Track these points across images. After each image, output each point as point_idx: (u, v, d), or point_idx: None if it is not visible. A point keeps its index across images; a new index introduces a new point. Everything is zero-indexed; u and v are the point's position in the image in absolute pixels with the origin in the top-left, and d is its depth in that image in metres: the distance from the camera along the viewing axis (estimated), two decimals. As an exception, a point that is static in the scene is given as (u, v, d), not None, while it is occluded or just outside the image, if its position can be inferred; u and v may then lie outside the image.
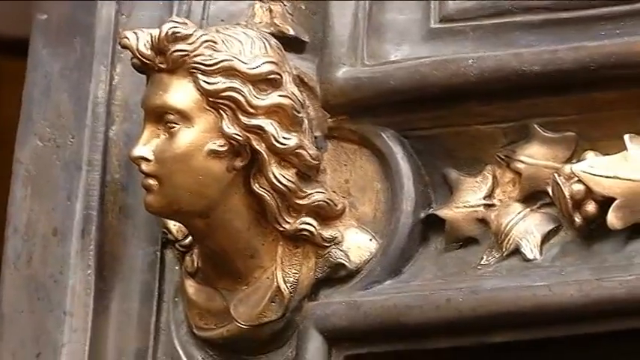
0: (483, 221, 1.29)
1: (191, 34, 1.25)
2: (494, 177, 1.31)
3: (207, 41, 1.25)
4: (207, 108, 1.25)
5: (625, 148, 1.20)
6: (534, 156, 1.29)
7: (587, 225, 1.20)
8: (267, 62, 1.25)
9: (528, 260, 1.25)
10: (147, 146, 1.25)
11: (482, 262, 1.28)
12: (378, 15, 1.38)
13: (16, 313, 1.34)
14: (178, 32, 1.24)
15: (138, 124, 1.32)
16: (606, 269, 1.18)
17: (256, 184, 1.26)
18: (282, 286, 1.31)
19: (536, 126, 1.29)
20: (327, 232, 1.30)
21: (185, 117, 1.24)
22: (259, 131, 1.24)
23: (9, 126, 1.61)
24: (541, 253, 1.24)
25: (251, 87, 1.24)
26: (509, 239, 1.26)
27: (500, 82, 1.27)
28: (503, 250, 1.25)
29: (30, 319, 1.35)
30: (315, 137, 1.33)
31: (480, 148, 1.34)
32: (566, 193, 1.18)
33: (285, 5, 1.44)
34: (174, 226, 1.35)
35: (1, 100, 2.81)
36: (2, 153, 1.67)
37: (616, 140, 1.21)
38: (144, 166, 1.25)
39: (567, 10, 1.28)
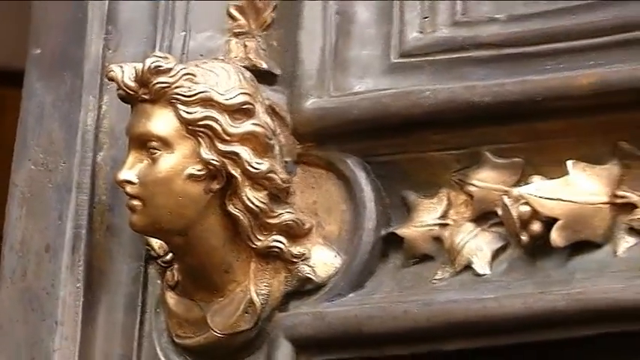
0: (438, 239, 1.37)
1: (172, 68, 1.32)
2: (449, 199, 1.39)
3: (186, 74, 1.32)
4: (187, 135, 1.32)
5: (567, 173, 1.26)
6: (485, 180, 1.35)
7: (533, 243, 1.27)
8: (241, 93, 1.33)
9: (479, 275, 1.32)
10: (131, 170, 1.33)
11: (436, 277, 1.35)
12: (343, 51, 1.46)
13: (12, 323, 1.41)
14: (160, 66, 1.32)
15: (123, 150, 1.39)
16: (549, 284, 1.25)
17: (231, 205, 1.34)
18: (255, 298, 1.38)
19: (486, 153, 1.36)
20: (295, 249, 1.38)
21: (166, 143, 1.31)
22: (234, 157, 1.32)
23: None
24: (490, 269, 1.31)
25: (227, 116, 1.32)
26: (461, 256, 1.34)
27: (453, 113, 1.35)
28: (456, 266, 1.33)
29: (24, 328, 1.41)
30: (286, 162, 1.41)
31: (435, 173, 1.41)
32: (514, 214, 1.25)
33: (258, 41, 1.52)
34: (156, 243, 1.43)
35: (4, 127, 2.88)
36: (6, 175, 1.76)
37: (559, 166, 1.28)
38: (128, 189, 1.32)
39: (514, 47, 1.35)
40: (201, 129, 1.33)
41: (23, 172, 1.41)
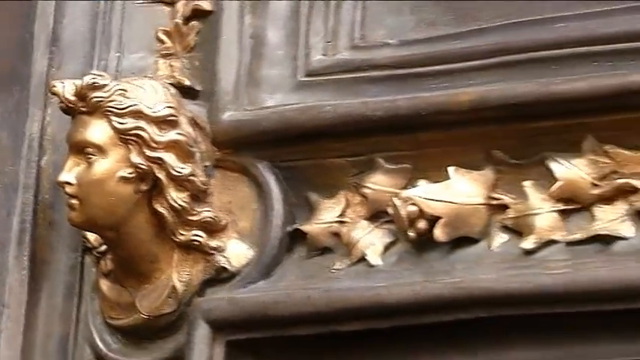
0: (337, 234, 1.51)
1: (106, 84, 1.47)
2: (346, 200, 1.53)
3: (119, 90, 1.47)
4: (119, 143, 1.46)
5: (449, 178, 1.41)
6: (378, 183, 1.49)
7: (419, 238, 1.40)
8: (167, 107, 1.49)
9: (372, 266, 1.46)
10: (70, 173, 1.47)
11: (335, 267, 1.49)
12: (255, 70, 1.60)
13: (-37, 306, 1.65)
14: (96, 83, 1.47)
15: (64, 155, 1.51)
16: (433, 273, 1.39)
17: (157, 204, 1.49)
18: (177, 285, 1.52)
19: (379, 159, 1.49)
20: (213, 243, 1.53)
21: (100, 150, 1.46)
22: (160, 162, 1.47)
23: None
24: (382, 260, 1.45)
25: (154, 126, 1.47)
26: (357, 249, 1.47)
27: (350, 125, 1.49)
28: (352, 257, 1.47)
29: (-26, 311, 1.65)
30: (205, 167, 1.54)
31: (335, 177, 1.55)
32: (403, 213, 1.38)
33: (182, 62, 1.66)
34: (91, 236, 1.57)
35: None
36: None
37: (441, 171, 1.42)
38: (67, 189, 1.47)
39: (404, 68, 1.50)
40: (132, 137, 1.47)
41: (-25, 175, 1.63)
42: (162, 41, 1.68)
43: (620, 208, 1.38)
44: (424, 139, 1.47)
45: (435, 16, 1.62)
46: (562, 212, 1.44)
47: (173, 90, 1.55)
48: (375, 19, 1.65)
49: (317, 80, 1.60)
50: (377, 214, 1.51)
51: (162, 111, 1.49)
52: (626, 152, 1.40)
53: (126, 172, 1.47)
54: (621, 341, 1.40)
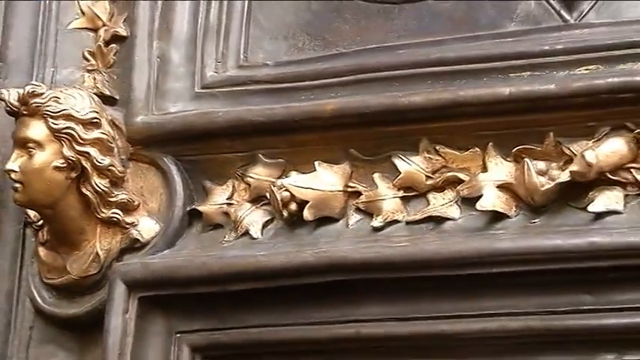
0: (226, 214, 1.71)
1: (44, 93, 1.65)
2: (234, 186, 1.73)
3: (54, 97, 1.65)
4: (53, 139, 1.65)
5: (315, 170, 1.60)
6: (259, 174, 1.69)
7: (291, 217, 1.60)
8: (92, 111, 1.67)
9: (254, 239, 1.65)
10: (15, 163, 1.66)
11: (225, 239, 1.70)
12: (162, 83, 1.78)
13: None
14: (35, 91, 1.65)
15: (10, 149, 1.70)
16: (303, 245, 1.58)
17: (84, 188, 1.68)
18: (100, 252, 1.72)
19: (260, 155, 1.68)
20: (128, 219, 1.73)
21: (39, 145, 1.65)
22: (86, 155, 1.65)
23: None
24: (262, 235, 1.64)
25: (81, 127, 1.66)
26: (242, 225, 1.67)
27: (238, 128, 1.68)
28: (238, 232, 1.66)
29: None
30: (122, 159, 1.74)
31: (225, 168, 1.75)
32: (278, 197, 1.57)
33: (104, 76, 1.86)
34: (32, 213, 1.78)
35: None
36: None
37: (310, 165, 1.62)
38: (12, 176, 1.66)
39: (280, 83, 1.68)
40: (64, 135, 1.66)
41: (-60, 166, 1.84)
42: (87, 59, 1.91)
43: (449, 195, 1.56)
44: (296, 140, 1.66)
45: (303, 43, 1.77)
46: (403, 198, 1.60)
47: (96, 98, 1.75)
48: (256, 44, 1.81)
49: (211, 92, 1.79)
50: (258, 198, 1.71)
51: (88, 114, 1.69)
52: (453, 151, 1.58)
53: (59, 162, 1.66)
54: (450, 300, 1.55)
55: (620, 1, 1.65)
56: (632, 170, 1.47)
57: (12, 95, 1.67)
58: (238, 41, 1.82)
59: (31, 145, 1.65)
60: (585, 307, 1.49)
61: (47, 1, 1.94)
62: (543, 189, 1.47)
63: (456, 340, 1.58)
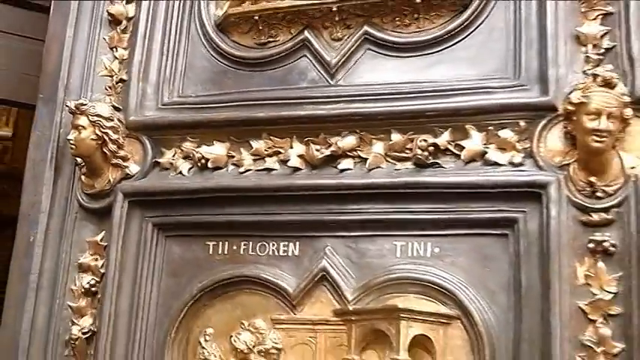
0: (171, 163, 2.77)
1: (86, 104, 2.65)
2: (175, 151, 2.77)
3: (91, 106, 2.66)
4: (90, 126, 2.68)
5: (213, 145, 2.73)
6: (188, 147, 2.76)
7: (204, 165, 2.71)
8: (109, 113, 2.71)
9: (184, 175, 2.72)
10: (72, 135, 2.64)
11: (170, 175, 2.77)
12: (143, 103, 2.83)
13: None
14: (82, 103, 2.65)
15: (70, 129, 2.71)
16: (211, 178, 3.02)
17: (105, 149, 2.66)
18: (111, 179, 2.72)
19: (189, 137, 2.73)
20: (124, 164, 2.72)
21: (84, 128, 2.67)
22: (106, 134, 2.67)
23: None
24: (189, 172, 2.71)
25: (104, 120, 2.67)
26: (180, 167, 2.74)
27: (175, 125, 2.76)
28: (177, 170, 2.74)
29: None
30: (123, 136, 2.76)
31: (171, 143, 2.78)
32: (196, 156, 2.78)
33: (114, 98, 2.87)
34: (79, 159, 2.77)
35: None
36: None
37: (212, 143, 2.73)
38: (71, 141, 2.61)
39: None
40: (96, 124, 2.66)
41: None
42: (107, 89, 2.94)
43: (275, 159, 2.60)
44: (206, 134, 2.71)
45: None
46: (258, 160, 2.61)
47: (111, 107, 2.78)
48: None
49: (165, 108, 2.85)
50: (187, 157, 2.78)
51: (107, 115, 2.70)
52: (278, 139, 2.58)
53: (93, 137, 2.65)
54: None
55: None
56: (358, 151, 2.49)
57: (72, 104, 2.69)
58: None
59: (80, 128, 2.66)
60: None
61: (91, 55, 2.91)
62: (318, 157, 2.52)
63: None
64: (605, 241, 2.33)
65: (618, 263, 2.29)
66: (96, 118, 2.71)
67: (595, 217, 2.34)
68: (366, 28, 2.70)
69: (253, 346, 2.61)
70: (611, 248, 2.32)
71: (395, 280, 2.51)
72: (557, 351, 2.23)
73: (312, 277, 2.58)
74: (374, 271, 2.52)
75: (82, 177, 2.85)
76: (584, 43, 2.44)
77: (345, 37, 2.72)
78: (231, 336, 2.64)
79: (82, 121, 2.74)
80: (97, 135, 2.70)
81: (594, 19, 2.47)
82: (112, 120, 2.75)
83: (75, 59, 2.94)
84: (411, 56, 2.64)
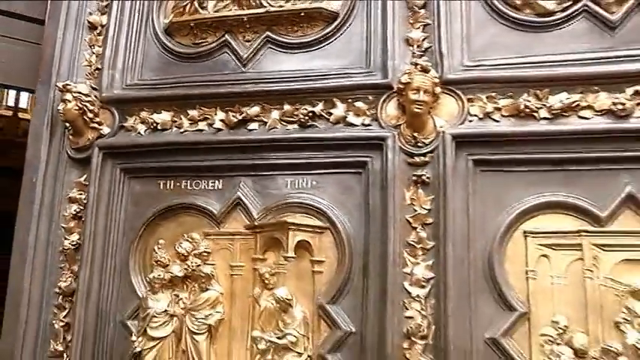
0: (133, 127, 3.37)
1: (71, 84, 3.12)
2: (139, 116, 3.31)
3: (74, 86, 3.16)
4: (74, 99, 3.17)
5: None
6: (154, 117, 3.37)
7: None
8: (88, 90, 3.16)
9: (141, 135, 3.33)
10: (61, 106, 3.10)
11: (134, 134, 3.31)
12: (110, 84, 3.38)
13: None
14: (69, 84, 3.12)
15: (60, 102, 3.14)
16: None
17: (85, 116, 3.11)
18: (90, 137, 3.21)
19: (144, 109, 3.33)
20: (100, 127, 3.18)
21: (69, 101, 3.13)
22: (85, 105, 3.13)
23: None
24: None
25: (84, 96, 3.17)
26: (140, 130, 3.35)
27: (134, 101, 3.37)
28: (139, 132, 3.33)
29: None
30: (98, 107, 3.22)
31: (133, 111, 3.33)
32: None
33: (93, 81, 3.35)
34: (67, 123, 3.22)
35: None
36: None
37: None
38: (60, 111, 3.08)
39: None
40: (78, 99, 3.14)
41: None
42: (88, 76, 3.39)
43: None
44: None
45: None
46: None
47: (90, 87, 3.20)
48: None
49: (130, 88, 3.34)
50: (152, 124, 3.22)
51: (86, 91, 3.04)
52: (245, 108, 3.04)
53: (76, 108, 3.08)
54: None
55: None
56: (261, 117, 3.10)
57: (61, 85, 3.22)
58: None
59: (66, 101, 3.23)
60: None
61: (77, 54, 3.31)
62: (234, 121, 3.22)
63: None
64: (423, 175, 2.95)
65: (431, 189, 2.91)
66: (78, 95, 3.30)
67: (417, 159, 2.96)
68: (267, 33, 3.36)
69: (191, 251, 3.23)
70: (427, 180, 2.94)
71: (286, 204, 3.15)
72: (391, 249, 2.88)
73: (230, 203, 3.22)
74: (273, 199, 3.18)
75: (70, 136, 3.44)
76: (412, 44, 3.12)
77: (254, 39, 3.36)
78: (176, 245, 3.27)
79: (68, 96, 3.33)
80: (78, 107, 3.29)
81: (418, 27, 3.14)
82: (90, 96, 3.34)
83: (64, 54, 3.53)
84: (298, 52, 3.30)
